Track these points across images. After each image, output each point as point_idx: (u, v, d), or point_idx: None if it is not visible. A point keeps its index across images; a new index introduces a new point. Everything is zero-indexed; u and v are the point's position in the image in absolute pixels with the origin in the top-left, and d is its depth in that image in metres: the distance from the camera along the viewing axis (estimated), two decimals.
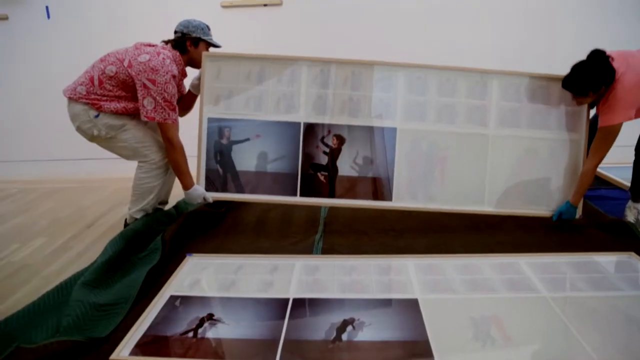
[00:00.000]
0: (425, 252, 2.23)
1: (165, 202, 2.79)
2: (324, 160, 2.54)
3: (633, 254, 2.11)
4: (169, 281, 1.96)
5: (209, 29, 2.51)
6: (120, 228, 2.56)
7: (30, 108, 3.92)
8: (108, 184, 3.70)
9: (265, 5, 3.68)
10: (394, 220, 2.62)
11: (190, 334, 1.61)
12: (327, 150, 2.53)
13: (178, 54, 2.44)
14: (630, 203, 2.58)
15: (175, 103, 2.37)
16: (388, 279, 1.95)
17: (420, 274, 1.98)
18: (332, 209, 2.83)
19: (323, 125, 2.52)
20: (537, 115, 2.50)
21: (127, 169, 3.98)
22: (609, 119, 2.23)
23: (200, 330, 1.63)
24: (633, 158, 2.54)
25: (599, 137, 2.30)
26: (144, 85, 2.28)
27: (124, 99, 2.39)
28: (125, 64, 2.31)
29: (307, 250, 2.29)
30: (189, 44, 2.44)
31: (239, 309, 1.76)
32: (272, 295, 1.84)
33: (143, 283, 1.93)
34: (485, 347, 1.51)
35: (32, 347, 1.49)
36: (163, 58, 2.31)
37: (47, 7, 3.68)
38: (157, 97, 2.29)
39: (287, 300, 1.80)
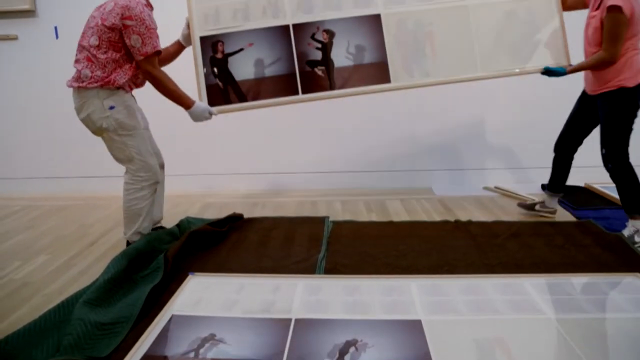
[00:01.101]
0: (429, 272, 2.22)
1: (159, 220, 2.86)
2: (318, 56, 2.67)
3: (638, 275, 2.09)
4: (171, 300, 1.95)
5: None
6: (122, 246, 2.55)
7: (36, 125, 3.95)
8: (111, 202, 3.70)
9: None
10: (397, 240, 2.61)
11: (192, 354, 1.60)
12: (320, 45, 2.67)
13: None
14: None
15: (156, 32, 2.36)
16: (391, 299, 1.94)
17: (423, 295, 1.96)
18: (335, 228, 2.83)
19: (311, 23, 2.65)
20: None
21: None
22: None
23: (201, 351, 1.61)
24: None
25: (608, 27, 2.35)
26: (125, 26, 2.27)
27: (124, 61, 2.37)
28: (99, 22, 2.30)
29: (310, 269, 2.28)
30: None
31: (241, 329, 1.75)
32: (274, 316, 1.83)
33: (145, 302, 1.92)
34: None
35: None
36: None
37: (55, 28, 3.74)
38: (141, 29, 2.28)
39: (289, 320, 1.78)
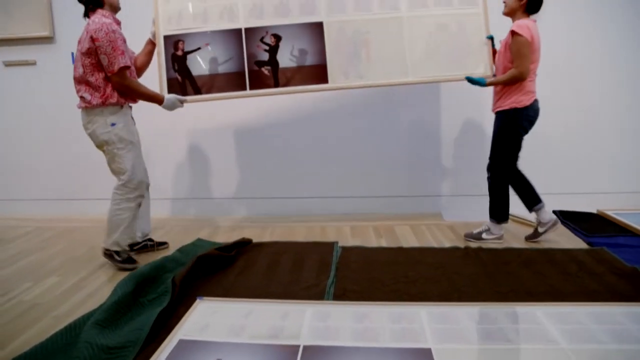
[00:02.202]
0: (439, 299, 2.19)
1: (148, 233, 3.12)
2: (265, 57, 3.00)
3: None
4: (178, 325, 1.94)
5: None
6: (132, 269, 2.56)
7: (50, 148, 4.02)
8: None
9: None
10: (407, 267, 2.59)
11: None
12: (267, 48, 3.00)
13: (100, 10, 2.66)
14: None
15: (122, 48, 2.61)
16: (401, 327, 1.91)
17: (433, 323, 1.93)
18: (344, 254, 2.81)
19: (261, 27, 2.99)
20: None
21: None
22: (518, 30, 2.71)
23: None
24: None
25: (514, 49, 2.75)
26: (97, 48, 2.56)
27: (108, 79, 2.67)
28: (79, 54, 2.64)
29: (319, 295, 2.26)
30: None
31: (249, 354, 1.73)
32: (282, 342, 1.81)
33: (152, 326, 1.91)
34: None
35: None
36: (94, 20, 2.60)
37: (72, 54, 3.81)
38: (107, 50, 2.56)
39: (297, 347, 1.76)
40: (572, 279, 2.39)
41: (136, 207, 2.80)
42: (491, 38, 3.02)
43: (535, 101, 2.87)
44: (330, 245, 2.97)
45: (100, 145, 2.75)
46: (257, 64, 3.00)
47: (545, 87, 3.64)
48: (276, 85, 3.00)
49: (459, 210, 3.73)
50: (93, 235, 3.46)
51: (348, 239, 3.20)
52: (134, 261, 2.81)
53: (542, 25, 3.34)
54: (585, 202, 3.66)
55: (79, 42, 2.66)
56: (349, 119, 3.79)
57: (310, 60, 3.01)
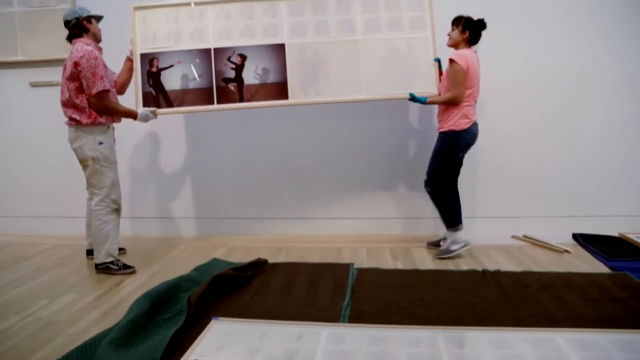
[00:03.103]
0: (456, 323, 2.14)
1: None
2: (232, 74, 3.26)
3: None
4: (193, 345, 1.93)
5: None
6: (148, 287, 2.57)
7: (69, 166, 4.08)
8: (139, 243, 3.76)
9: None
10: (423, 290, 2.56)
11: None
12: (234, 66, 3.26)
13: (82, 39, 2.96)
14: None
15: (102, 74, 2.90)
16: (417, 351, 1.88)
17: (450, 347, 1.90)
18: (360, 276, 2.79)
19: (228, 48, 3.25)
20: (394, 21, 3.24)
21: (157, 228, 4.07)
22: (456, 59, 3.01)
23: None
24: None
25: (450, 75, 3.05)
26: (79, 73, 2.86)
27: None
28: (64, 80, 2.93)
29: (334, 317, 2.24)
30: (85, 23, 2.98)
31: None
32: None
33: (167, 345, 1.91)
34: None
35: None
36: (77, 48, 2.90)
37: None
38: (87, 75, 2.85)
39: None
40: (594, 304, 2.34)
41: (117, 217, 3.08)
42: (438, 60, 3.25)
43: (473, 125, 3.11)
44: (346, 267, 2.95)
45: (84, 161, 2.99)
46: (224, 80, 3.25)
47: (566, 108, 3.64)
48: (241, 100, 3.25)
49: (477, 232, 3.69)
50: None
51: (364, 261, 3.18)
52: (130, 266, 3.06)
53: (561, 45, 3.36)
54: (606, 225, 3.59)
55: (64, 68, 2.95)
56: (367, 140, 3.80)
57: (272, 78, 3.26)
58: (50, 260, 3.34)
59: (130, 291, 2.70)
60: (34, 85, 4.06)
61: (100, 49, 3.02)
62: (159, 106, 3.24)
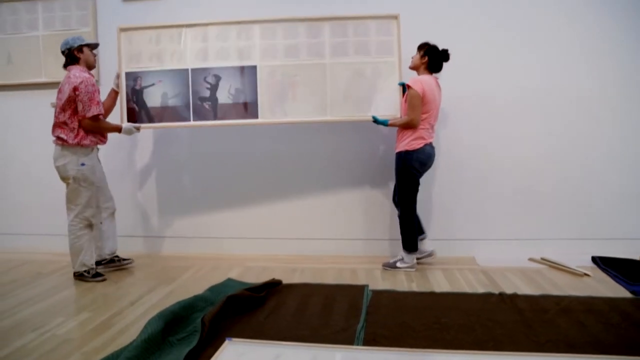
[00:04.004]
0: (473, 348, 2.10)
1: (115, 250, 3.59)
2: (207, 94, 3.48)
3: None
4: None
5: (84, 38, 3.35)
6: (163, 306, 2.57)
7: None
8: (154, 261, 3.78)
9: None
10: (439, 313, 2.52)
11: None
12: (209, 86, 3.47)
13: (77, 66, 3.26)
14: None
15: (98, 99, 3.21)
16: None
17: None
18: (375, 297, 2.76)
19: (205, 68, 3.47)
20: (361, 46, 3.40)
21: (172, 247, 4.09)
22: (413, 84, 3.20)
23: None
24: None
25: (408, 99, 3.23)
26: (76, 97, 3.15)
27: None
28: (61, 102, 3.19)
29: (349, 340, 2.21)
30: (76, 52, 3.27)
31: None
32: None
33: None
34: None
35: None
36: (74, 74, 3.19)
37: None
38: (84, 99, 3.14)
39: None
40: (615, 330, 2.28)
41: (89, 232, 3.35)
42: (402, 85, 3.35)
43: (426, 146, 3.27)
44: (361, 289, 2.92)
45: (65, 178, 3.26)
46: (200, 99, 3.48)
47: (584, 128, 3.62)
48: (215, 118, 3.47)
49: (493, 254, 3.64)
50: (126, 271, 3.53)
51: (379, 282, 3.15)
52: (101, 274, 3.35)
53: (574, 62, 3.37)
54: (626, 247, 3.52)
55: (60, 91, 3.23)
56: (383, 159, 3.81)
57: (244, 98, 3.46)
58: (67, 278, 3.37)
59: (145, 310, 2.71)
60: (55, 105, 4.15)
61: (92, 75, 3.31)
62: (141, 121, 3.50)
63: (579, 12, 3.57)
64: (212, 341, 2.18)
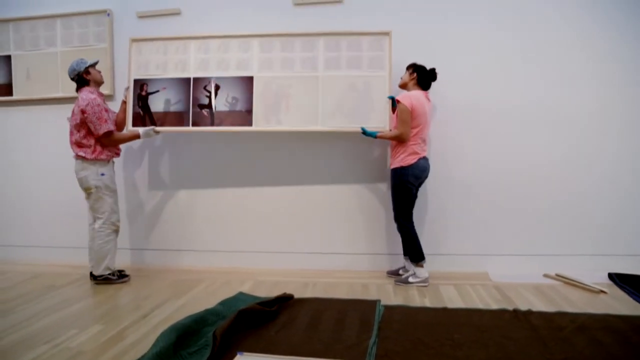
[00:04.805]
0: None
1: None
2: (206, 101, 3.71)
3: None
4: None
5: (86, 60, 3.56)
6: (175, 319, 2.57)
7: None
8: (167, 275, 3.80)
9: None
10: (452, 329, 2.49)
11: None
12: (208, 94, 3.70)
13: (87, 87, 3.50)
14: None
15: (105, 117, 3.46)
16: None
17: None
18: (387, 313, 2.74)
19: (205, 78, 3.70)
20: (353, 60, 3.57)
21: (184, 260, 4.10)
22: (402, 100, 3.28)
23: None
24: None
25: (398, 114, 3.31)
26: (87, 119, 3.41)
27: (99, 143, 3.52)
28: (72, 124, 3.47)
29: (360, 355, 2.19)
30: (85, 75, 3.50)
31: None
32: None
33: None
34: None
35: None
36: (82, 97, 3.43)
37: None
38: (93, 119, 3.40)
39: None
40: (635, 349, 2.23)
41: (115, 237, 3.60)
42: (392, 98, 3.46)
43: (420, 160, 3.33)
44: (373, 304, 2.90)
45: (87, 189, 3.50)
46: (199, 106, 3.70)
47: (601, 146, 3.59)
48: (212, 124, 3.67)
49: (507, 270, 3.60)
50: (138, 284, 3.55)
51: (391, 297, 3.13)
52: (126, 275, 3.64)
53: (583, 77, 3.35)
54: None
55: (72, 114, 3.49)
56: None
57: (240, 106, 3.66)
58: (79, 291, 3.40)
59: (157, 323, 2.71)
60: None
61: (101, 95, 3.59)
62: (145, 125, 3.71)
63: (582, 27, 3.57)
64: (224, 355, 2.18)
